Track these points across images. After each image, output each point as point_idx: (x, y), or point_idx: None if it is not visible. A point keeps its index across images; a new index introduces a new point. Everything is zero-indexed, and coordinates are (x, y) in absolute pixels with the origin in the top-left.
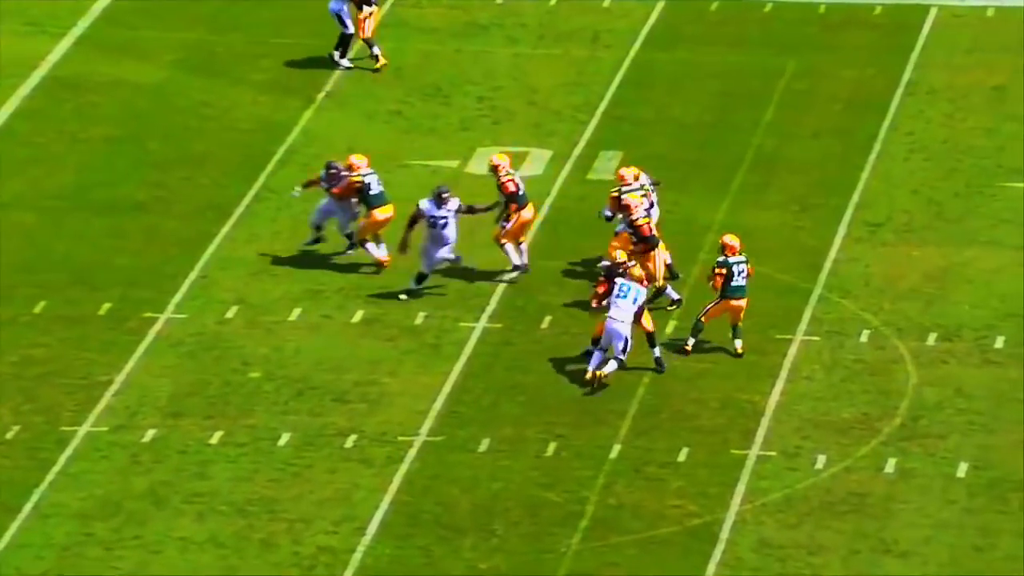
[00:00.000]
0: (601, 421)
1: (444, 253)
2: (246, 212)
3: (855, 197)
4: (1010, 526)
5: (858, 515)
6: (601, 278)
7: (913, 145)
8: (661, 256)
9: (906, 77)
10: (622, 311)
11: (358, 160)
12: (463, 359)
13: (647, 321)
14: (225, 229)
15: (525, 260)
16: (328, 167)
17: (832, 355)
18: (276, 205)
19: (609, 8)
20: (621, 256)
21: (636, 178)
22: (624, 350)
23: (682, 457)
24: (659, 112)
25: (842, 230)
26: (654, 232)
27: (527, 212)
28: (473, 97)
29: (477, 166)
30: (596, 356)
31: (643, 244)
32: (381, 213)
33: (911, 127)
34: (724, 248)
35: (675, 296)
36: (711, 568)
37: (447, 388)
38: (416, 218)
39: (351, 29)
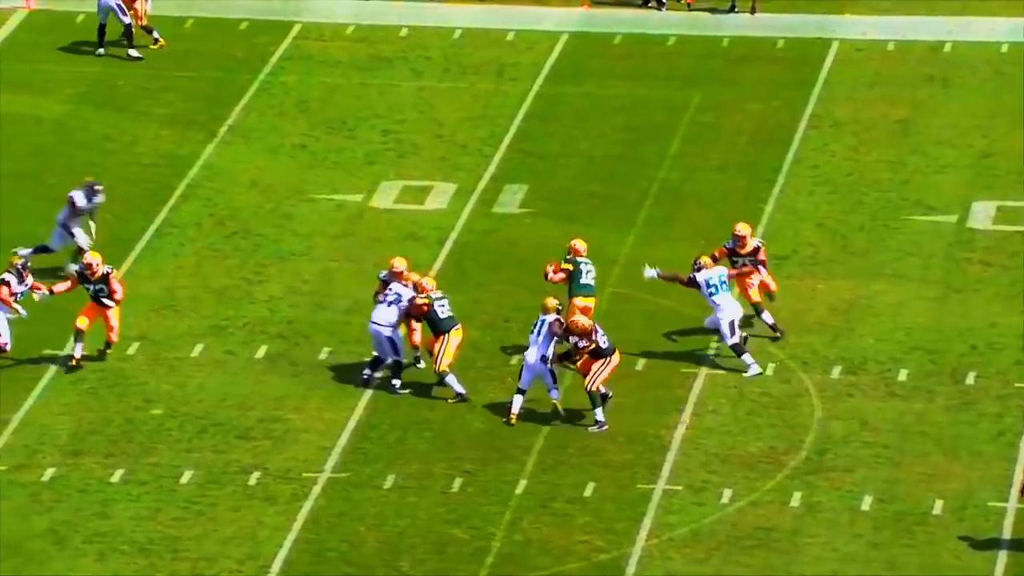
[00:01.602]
0: (507, 456)
1: None
2: (148, 247)
3: (760, 230)
4: (916, 559)
5: (765, 549)
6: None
7: (818, 178)
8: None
9: (809, 110)
10: (531, 349)
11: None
12: (368, 394)
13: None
14: (127, 264)
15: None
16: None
17: (738, 389)
18: (179, 240)
19: (513, 41)
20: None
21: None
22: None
23: (589, 492)
24: (565, 145)
25: None
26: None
27: (456, 337)
28: (378, 130)
29: (381, 200)
30: (517, 399)
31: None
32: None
33: (816, 160)
34: (570, 251)
35: (458, 389)
36: None
37: (352, 424)
38: None
39: (129, 19)
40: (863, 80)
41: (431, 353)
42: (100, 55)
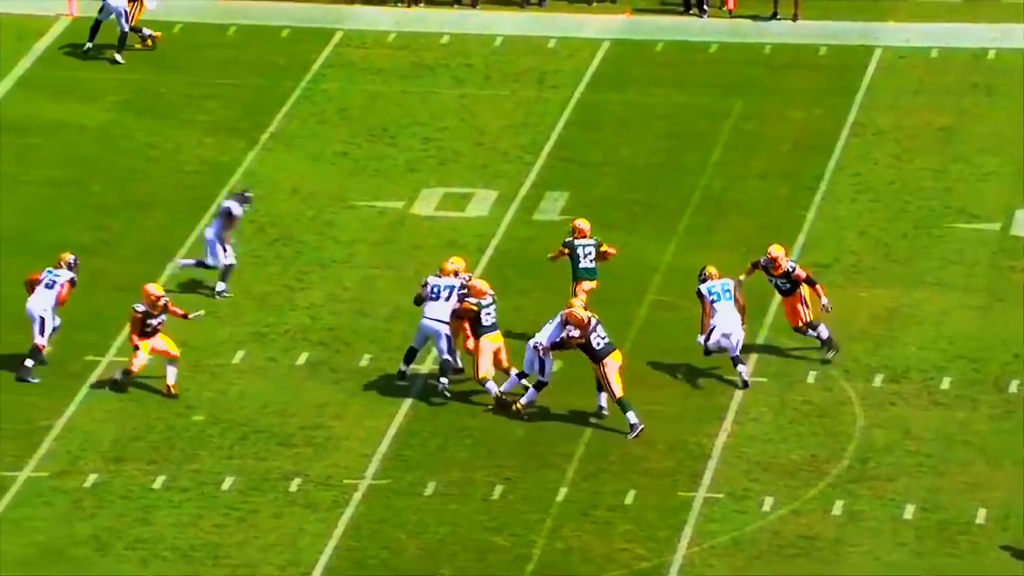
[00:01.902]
0: (548, 464)
1: None
2: (190, 255)
3: (802, 238)
4: (959, 568)
5: (807, 558)
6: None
7: (860, 186)
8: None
9: (852, 118)
10: (541, 334)
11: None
12: (409, 402)
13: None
14: (168, 271)
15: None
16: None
17: (780, 397)
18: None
19: (555, 49)
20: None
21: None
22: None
23: (630, 500)
24: (606, 153)
25: None
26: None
27: (492, 343)
28: (419, 138)
29: (423, 207)
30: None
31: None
32: None
33: (858, 168)
34: (574, 231)
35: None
36: None
37: (393, 431)
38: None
39: (127, 27)
40: (906, 88)
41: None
42: (87, 49)
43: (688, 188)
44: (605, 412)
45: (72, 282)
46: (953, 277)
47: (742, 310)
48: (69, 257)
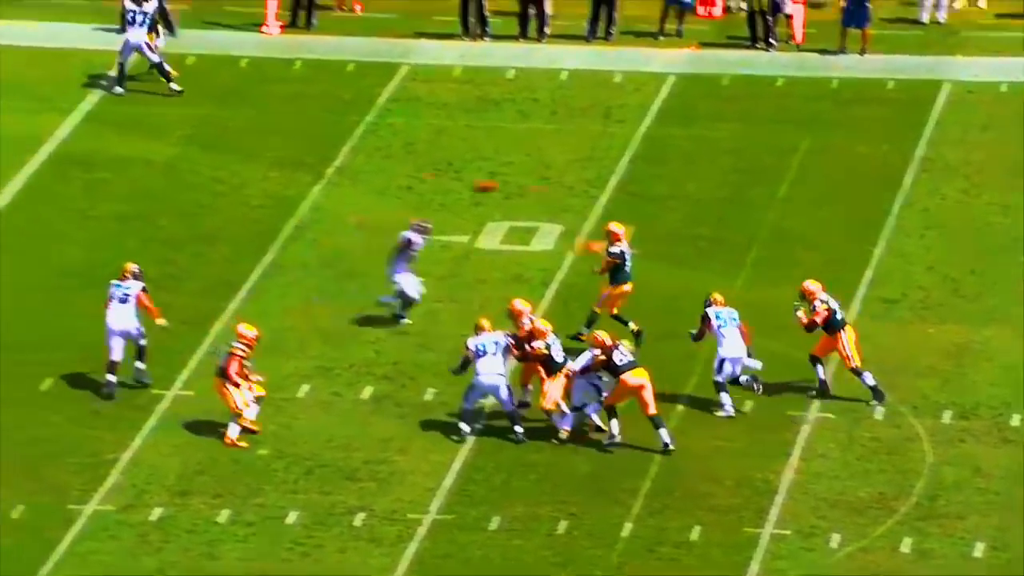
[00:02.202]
0: (614, 499)
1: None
2: (255, 289)
3: (870, 273)
4: None
5: None
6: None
7: (928, 221)
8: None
9: (920, 153)
10: (576, 361)
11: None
12: (474, 436)
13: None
14: (234, 305)
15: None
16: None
17: (847, 433)
18: (286, 281)
19: (621, 83)
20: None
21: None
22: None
23: (695, 536)
24: (673, 188)
25: (857, 307)
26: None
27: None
28: (485, 172)
29: (487, 241)
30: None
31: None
32: None
33: (926, 203)
34: (614, 237)
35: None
36: None
37: (457, 466)
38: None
39: (157, 57)
40: (975, 122)
41: (523, 386)
42: (119, 93)
43: (755, 223)
44: (670, 446)
45: (145, 290)
46: (1022, 313)
47: (746, 337)
48: (133, 267)
